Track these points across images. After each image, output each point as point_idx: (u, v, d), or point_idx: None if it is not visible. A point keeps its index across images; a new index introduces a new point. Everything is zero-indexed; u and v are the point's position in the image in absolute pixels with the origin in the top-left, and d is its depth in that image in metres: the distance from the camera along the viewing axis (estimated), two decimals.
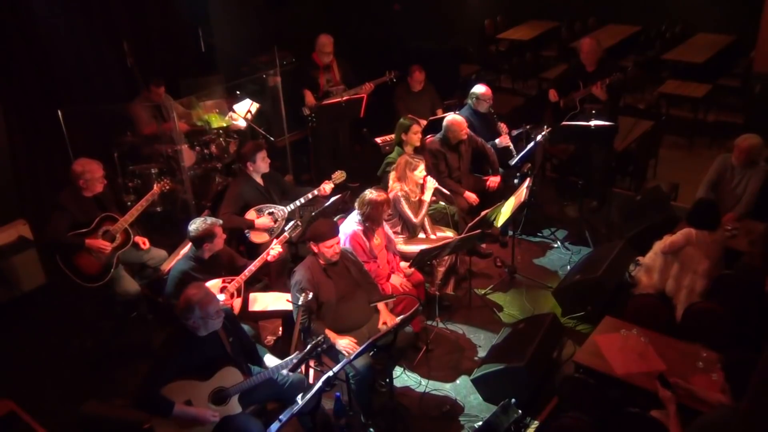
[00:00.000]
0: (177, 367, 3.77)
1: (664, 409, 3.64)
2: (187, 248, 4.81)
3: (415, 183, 5.44)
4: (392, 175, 5.58)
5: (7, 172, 6.20)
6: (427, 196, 5.47)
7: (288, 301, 4.49)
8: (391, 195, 5.44)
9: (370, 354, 4.22)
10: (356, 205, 4.98)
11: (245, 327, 4.42)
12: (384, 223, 5.22)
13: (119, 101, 6.52)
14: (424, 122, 6.66)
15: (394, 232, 5.43)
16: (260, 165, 5.48)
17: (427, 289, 5.40)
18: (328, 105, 6.87)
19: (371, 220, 4.92)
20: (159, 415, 3.72)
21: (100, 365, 5.15)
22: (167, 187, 5.53)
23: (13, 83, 6.11)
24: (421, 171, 5.42)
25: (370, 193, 4.90)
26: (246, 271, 4.65)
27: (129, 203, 5.44)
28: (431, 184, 5.47)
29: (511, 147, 6.49)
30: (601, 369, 4.12)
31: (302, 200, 5.58)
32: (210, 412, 3.80)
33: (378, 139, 7.16)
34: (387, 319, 4.57)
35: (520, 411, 3.99)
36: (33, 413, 4.42)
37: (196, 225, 4.49)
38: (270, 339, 5.30)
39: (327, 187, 5.53)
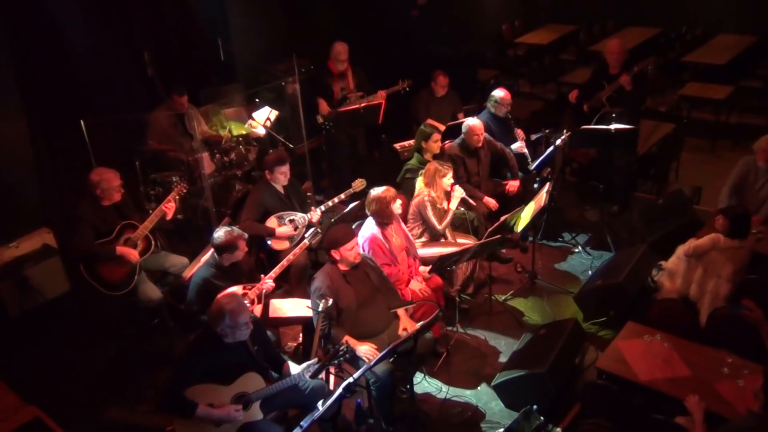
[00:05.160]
0: (201, 370, 3.79)
1: (689, 415, 3.59)
2: (207, 255, 4.84)
3: (443, 190, 5.43)
4: (420, 180, 5.58)
5: (31, 182, 6.30)
6: (453, 205, 5.46)
7: (308, 307, 4.49)
8: (417, 200, 5.46)
9: (391, 360, 4.21)
10: (365, 207, 5.00)
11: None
12: (402, 223, 5.22)
13: (140, 110, 6.60)
14: (442, 127, 6.66)
15: (413, 236, 5.42)
16: (278, 177, 5.49)
17: (446, 290, 5.38)
18: (346, 111, 6.88)
19: (381, 216, 4.94)
20: (182, 417, 3.74)
21: (123, 371, 5.19)
22: (184, 192, 5.58)
23: (37, 94, 6.22)
24: (449, 179, 5.42)
25: (374, 191, 4.96)
26: (268, 279, 4.66)
27: (150, 211, 5.50)
28: (458, 193, 5.46)
29: (527, 153, 6.47)
30: (624, 375, 4.08)
31: (323, 207, 5.60)
32: (233, 407, 3.79)
33: (397, 145, 7.17)
34: (407, 325, 4.56)
35: (542, 417, 3.97)
36: (57, 419, 4.46)
37: (220, 233, 4.52)
38: (290, 345, 5.32)
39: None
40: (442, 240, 5.56)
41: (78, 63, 6.49)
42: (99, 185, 5.05)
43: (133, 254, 5.06)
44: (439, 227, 5.43)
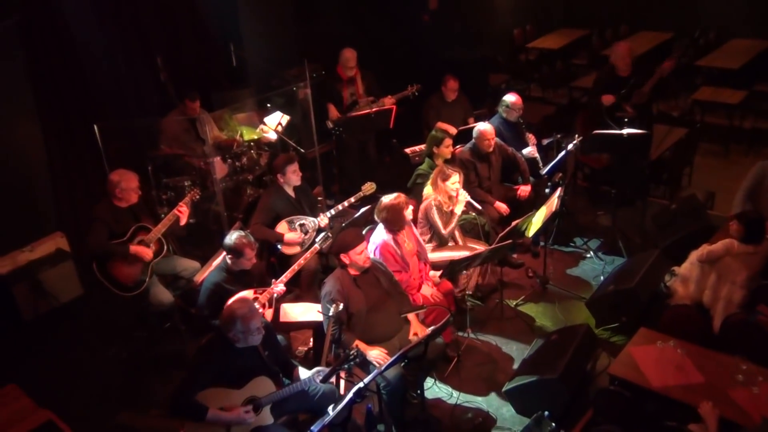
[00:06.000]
0: (212, 374, 3.81)
1: (702, 422, 3.55)
2: (219, 259, 4.87)
3: (447, 194, 5.41)
4: (428, 184, 5.58)
5: (45, 186, 6.37)
6: (458, 209, 5.44)
7: (318, 312, 4.50)
8: (424, 204, 5.45)
9: (401, 365, 4.20)
10: (375, 214, 5.00)
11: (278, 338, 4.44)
12: (414, 227, 5.22)
13: (153, 115, 6.66)
14: (454, 131, 6.65)
15: (423, 240, 5.41)
16: (291, 177, 5.52)
17: (453, 293, 5.36)
18: (357, 116, 6.90)
19: (393, 223, 4.93)
20: (192, 420, 3.75)
21: (135, 375, 5.22)
22: (197, 197, 5.62)
23: (51, 99, 6.28)
24: (453, 182, 5.39)
25: (385, 198, 4.95)
26: (279, 284, 4.66)
27: (162, 215, 5.55)
28: (463, 197, 5.44)
29: (538, 158, 6.45)
30: (636, 381, 4.05)
31: (333, 211, 5.61)
32: (243, 409, 3.80)
33: (407, 150, 7.17)
34: (418, 330, 4.55)
35: (553, 424, 3.94)
36: (70, 422, 4.49)
37: (234, 236, 4.54)
38: (301, 350, 5.33)
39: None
40: (452, 244, 5.55)
41: (91, 68, 6.56)
42: (119, 185, 5.12)
43: (146, 252, 5.11)
44: (444, 231, 5.41)
